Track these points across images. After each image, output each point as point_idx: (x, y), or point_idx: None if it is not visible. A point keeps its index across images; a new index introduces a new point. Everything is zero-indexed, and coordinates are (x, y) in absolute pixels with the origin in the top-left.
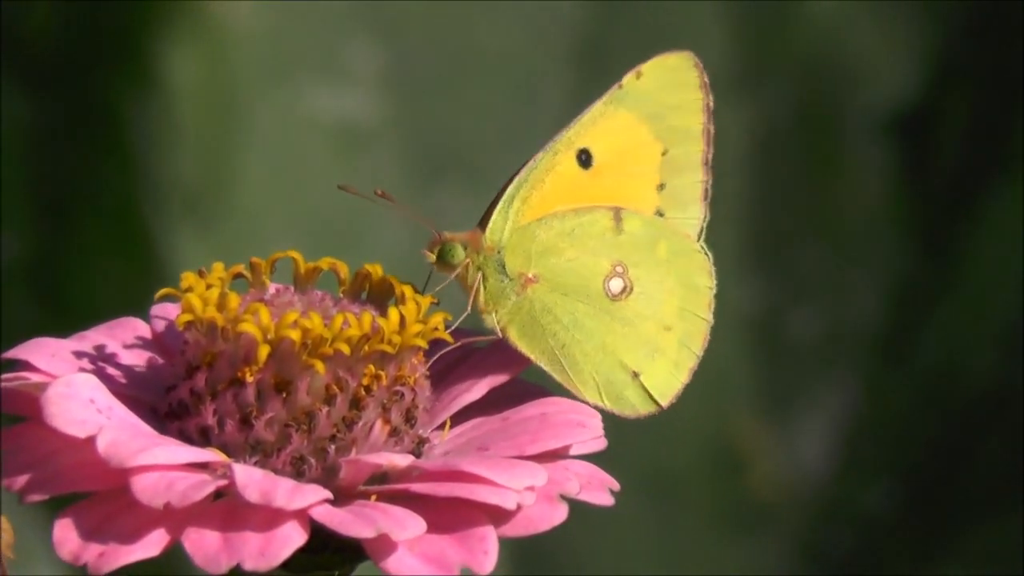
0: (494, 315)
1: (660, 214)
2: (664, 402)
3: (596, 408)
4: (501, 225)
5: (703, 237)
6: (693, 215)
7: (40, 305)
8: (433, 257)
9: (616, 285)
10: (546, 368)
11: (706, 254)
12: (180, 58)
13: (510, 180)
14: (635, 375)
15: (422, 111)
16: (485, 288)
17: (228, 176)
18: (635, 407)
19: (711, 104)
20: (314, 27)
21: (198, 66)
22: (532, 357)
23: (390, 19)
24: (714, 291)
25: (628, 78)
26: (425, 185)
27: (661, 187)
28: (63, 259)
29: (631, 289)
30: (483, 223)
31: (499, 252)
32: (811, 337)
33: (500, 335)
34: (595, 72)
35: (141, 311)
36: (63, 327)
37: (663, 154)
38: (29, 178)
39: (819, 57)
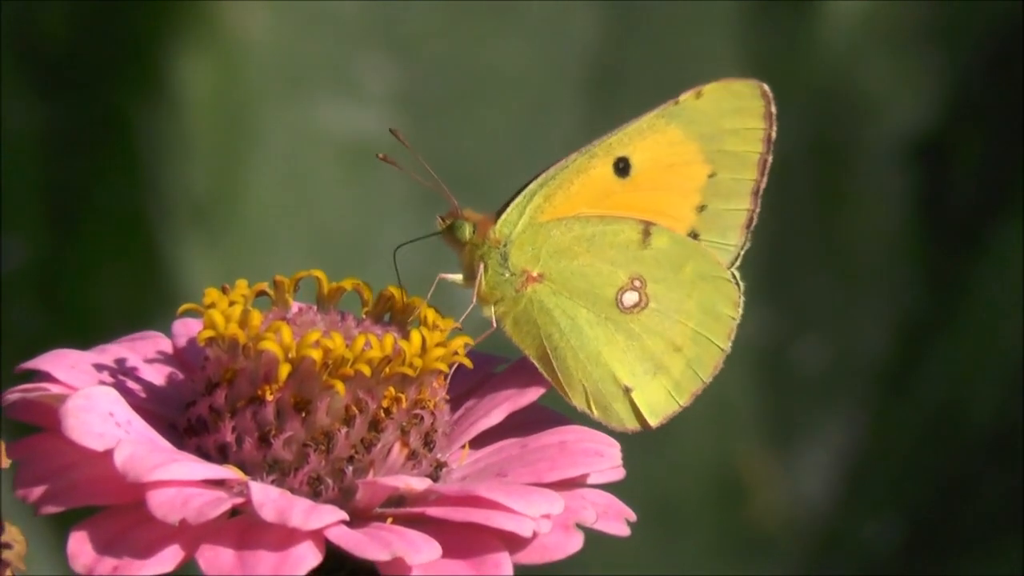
0: (492, 306)
1: (694, 235)
2: (654, 422)
3: (582, 414)
4: (515, 219)
5: (737, 265)
6: (731, 241)
7: (46, 312)
8: (443, 226)
9: (630, 298)
10: (536, 364)
11: (736, 283)
12: (193, 69)
13: (535, 176)
14: (627, 390)
15: (433, 130)
16: (485, 277)
17: (237, 188)
18: (622, 421)
19: (773, 135)
20: (328, 42)
21: (211, 78)
22: (523, 351)
23: (405, 37)
24: (737, 321)
25: (687, 96)
26: (433, 205)
27: (701, 208)
28: (70, 266)
29: (646, 304)
30: (499, 214)
31: (504, 245)
32: (817, 368)
33: (495, 326)
34: (607, 97)
35: (146, 321)
36: (68, 334)
37: (710, 176)
38: (39, 185)
39: (832, 87)
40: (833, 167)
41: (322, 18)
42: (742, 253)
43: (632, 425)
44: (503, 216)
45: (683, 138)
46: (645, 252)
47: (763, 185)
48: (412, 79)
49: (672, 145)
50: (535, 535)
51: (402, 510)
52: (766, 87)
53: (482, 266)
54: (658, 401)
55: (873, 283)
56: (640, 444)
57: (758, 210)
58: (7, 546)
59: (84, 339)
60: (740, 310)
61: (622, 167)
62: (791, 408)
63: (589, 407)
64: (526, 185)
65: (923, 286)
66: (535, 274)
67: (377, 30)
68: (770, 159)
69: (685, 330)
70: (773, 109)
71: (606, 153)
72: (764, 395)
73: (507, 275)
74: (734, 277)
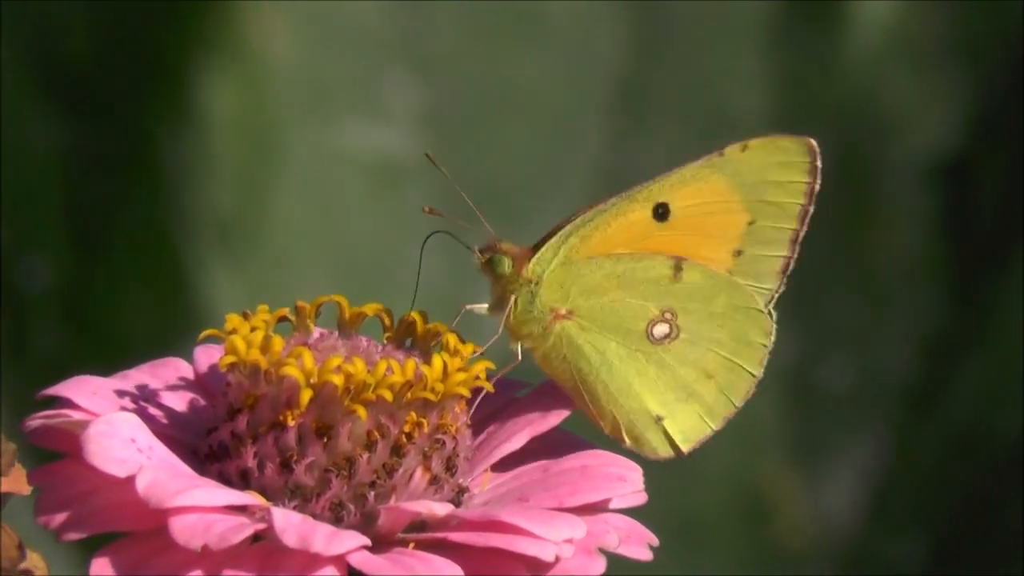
0: (518, 342)
1: None
2: (686, 448)
3: (610, 439)
4: (548, 258)
5: (771, 305)
6: (767, 286)
7: (71, 334)
8: (482, 260)
9: (660, 330)
10: (566, 390)
11: (769, 315)
12: (218, 90)
13: (572, 216)
14: (658, 419)
15: (458, 150)
16: (513, 313)
17: (262, 209)
18: (655, 450)
19: (817, 188)
20: (352, 62)
21: (236, 98)
22: (553, 379)
23: (429, 56)
24: (769, 348)
25: (732, 148)
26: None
27: (738, 253)
28: (95, 288)
29: (676, 335)
30: (536, 249)
31: (535, 284)
32: (842, 387)
33: (519, 359)
34: (633, 114)
35: (171, 342)
36: (93, 356)
37: (749, 223)
38: (63, 206)
39: (857, 106)
40: (858, 185)
41: (347, 37)
42: (776, 296)
43: (665, 453)
44: (538, 255)
45: (726, 187)
46: (676, 286)
47: (803, 234)
48: (437, 98)
49: (714, 193)
50: (557, 559)
51: (424, 535)
52: (813, 142)
53: (512, 301)
54: (690, 426)
55: (898, 302)
56: (665, 462)
57: (795, 256)
58: (29, 573)
59: (109, 361)
60: (772, 338)
61: (661, 212)
62: (816, 427)
63: (620, 436)
64: (563, 224)
65: (948, 305)
66: (563, 311)
67: (402, 49)
68: (812, 210)
69: (717, 358)
70: (819, 163)
71: (647, 199)
72: (789, 414)
73: (535, 313)
74: (768, 311)
